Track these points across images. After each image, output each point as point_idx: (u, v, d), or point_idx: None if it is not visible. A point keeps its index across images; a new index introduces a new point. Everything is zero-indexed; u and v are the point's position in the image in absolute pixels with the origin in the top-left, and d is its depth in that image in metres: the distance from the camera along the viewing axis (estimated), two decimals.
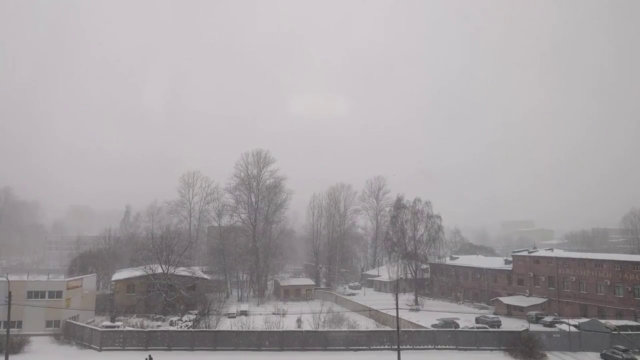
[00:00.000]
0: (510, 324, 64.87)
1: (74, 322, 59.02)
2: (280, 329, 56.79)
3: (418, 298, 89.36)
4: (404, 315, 65.63)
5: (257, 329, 56.89)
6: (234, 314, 73.53)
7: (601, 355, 50.62)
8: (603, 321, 58.02)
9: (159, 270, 74.55)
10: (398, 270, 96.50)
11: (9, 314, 41.62)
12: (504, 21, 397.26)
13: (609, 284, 68.33)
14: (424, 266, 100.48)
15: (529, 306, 74.56)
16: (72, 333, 56.89)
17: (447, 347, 54.21)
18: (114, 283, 79.24)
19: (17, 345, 49.42)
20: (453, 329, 59.75)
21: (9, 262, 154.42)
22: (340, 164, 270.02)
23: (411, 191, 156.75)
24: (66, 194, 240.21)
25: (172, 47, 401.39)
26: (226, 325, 62.96)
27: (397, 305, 47.70)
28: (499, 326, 64.11)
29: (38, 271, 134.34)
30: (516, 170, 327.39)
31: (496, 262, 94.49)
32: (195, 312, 69.15)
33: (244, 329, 57.10)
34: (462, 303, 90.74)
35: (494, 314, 75.69)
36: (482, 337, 55.21)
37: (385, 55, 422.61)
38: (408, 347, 52.69)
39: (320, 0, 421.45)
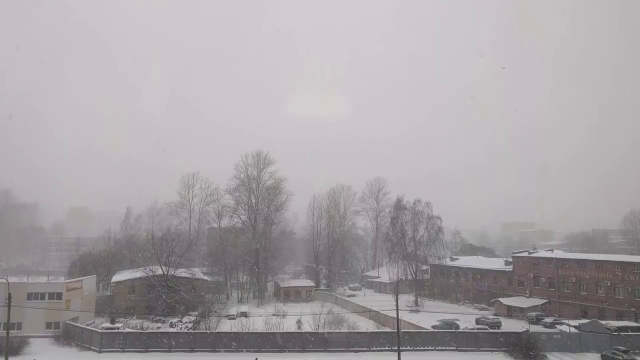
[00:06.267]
0: (510, 325, 64.80)
1: (74, 323, 58.96)
2: (281, 331, 56.71)
3: (418, 299, 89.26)
4: (404, 316, 65.56)
5: (257, 331, 56.85)
6: (234, 315, 73.51)
7: (602, 356, 50.59)
8: (603, 322, 58.02)
9: (159, 272, 74.47)
10: (398, 271, 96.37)
11: (8, 315, 41.60)
12: (504, 26, 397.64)
13: (609, 284, 68.28)
14: (424, 267, 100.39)
15: (529, 307, 74.52)
16: (72, 335, 56.87)
17: (447, 348, 54.24)
18: (113, 285, 79.10)
19: (17, 346, 49.36)
20: (453, 330, 59.68)
21: (9, 264, 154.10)
22: (340, 165, 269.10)
23: (411, 192, 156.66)
24: (66, 195, 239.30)
25: (173, 48, 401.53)
26: (226, 326, 63.03)
27: (397, 307, 47.63)
28: (499, 327, 64.06)
29: (38, 273, 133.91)
30: (516, 171, 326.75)
31: (496, 263, 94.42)
32: (195, 313, 69.08)
33: (244, 331, 57.12)
34: (462, 304, 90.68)
35: (494, 315, 75.61)
36: (483, 338, 55.25)
37: (388, 57, 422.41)
38: (408, 348, 52.71)
39: (322, 1, 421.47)
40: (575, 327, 57.23)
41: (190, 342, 54.06)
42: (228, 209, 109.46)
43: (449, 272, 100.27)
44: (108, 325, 61.78)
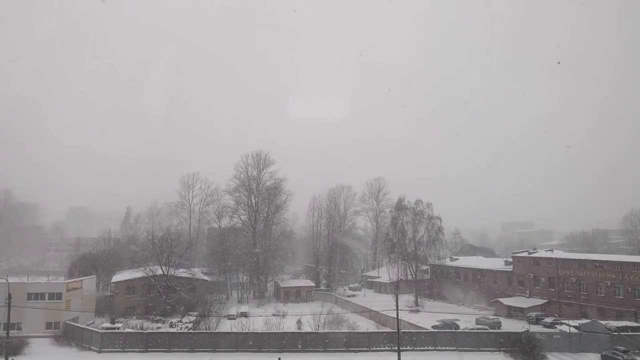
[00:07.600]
0: (510, 325, 64.78)
1: (74, 323, 58.98)
2: (281, 331, 56.83)
3: (418, 299, 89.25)
4: (404, 316, 65.57)
5: (257, 331, 56.90)
6: (234, 315, 73.47)
7: (602, 356, 50.63)
8: (603, 322, 58.00)
9: (159, 272, 74.46)
10: (398, 271, 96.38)
11: (8, 315, 41.62)
12: (504, 27, 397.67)
13: (609, 284, 68.25)
14: (424, 267, 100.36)
15: (529, 307, 74.51)
16: (72, 335, 56.89)
17: (447, 348, 54.25)
18: (113, 285, 79.14)
19: (17, 347, 49.34)
20: (453, 330, 59.69)
21: (9, 264, 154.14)
22: (341, 166, 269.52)
23: (411, 192, 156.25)
24: (66, 195, 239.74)
25: (173, 49, 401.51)
26: (226, 326, 63.07)
27: (397, 307, 47.68)
28: (499, 327, 64.06)
29: (38, 273, 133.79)
30: (516, 172, 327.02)
31: (496, 263, 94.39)
32: (195, 313, 69.10)
33: (244, 331, 57.12)
34: (462, 304, 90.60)
35: (494, 315, 75.56)
36: (482, 338, 55.27)
37: (388, 58, 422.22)
38: (408, 348, 52.76)
39: (323, 2, 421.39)
40: (575, 327, 57.17)
41: (190, 342, 54.05)
42: (228, 209, 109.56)
43: (449, 272, 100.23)
44: (108, 325, 61.71)
